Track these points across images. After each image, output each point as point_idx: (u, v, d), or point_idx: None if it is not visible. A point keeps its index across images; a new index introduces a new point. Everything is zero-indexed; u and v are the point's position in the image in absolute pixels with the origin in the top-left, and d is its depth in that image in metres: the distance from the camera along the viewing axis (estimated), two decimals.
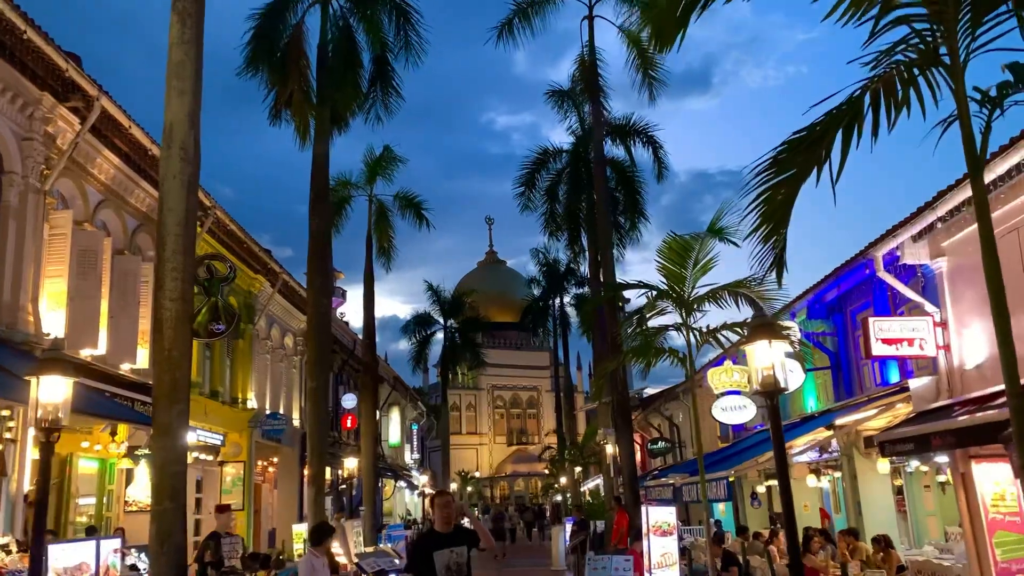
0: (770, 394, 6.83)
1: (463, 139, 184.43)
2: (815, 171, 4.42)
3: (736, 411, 16.25)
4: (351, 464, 26.12)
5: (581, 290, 36.15)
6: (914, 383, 10.36)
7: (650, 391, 37.76)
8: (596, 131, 18.14)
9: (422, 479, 43.79)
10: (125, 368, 13.43)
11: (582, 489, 37.61)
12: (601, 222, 17.84)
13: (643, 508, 10.45)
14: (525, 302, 42.96)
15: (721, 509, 20.57)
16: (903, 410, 10.59)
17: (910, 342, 9.91)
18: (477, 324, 41.84)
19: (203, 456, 17.34)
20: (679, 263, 10.06)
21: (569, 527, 20.31)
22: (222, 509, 9.81)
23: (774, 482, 18.04)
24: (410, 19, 16.38)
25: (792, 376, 13.53)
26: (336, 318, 36.21)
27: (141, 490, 14.11)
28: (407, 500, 42.79)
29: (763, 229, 4.49)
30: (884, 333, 9.94)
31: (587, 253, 22.67)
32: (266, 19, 15.55)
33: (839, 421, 11.95)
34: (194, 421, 16.36)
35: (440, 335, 40.23)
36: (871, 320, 10.07)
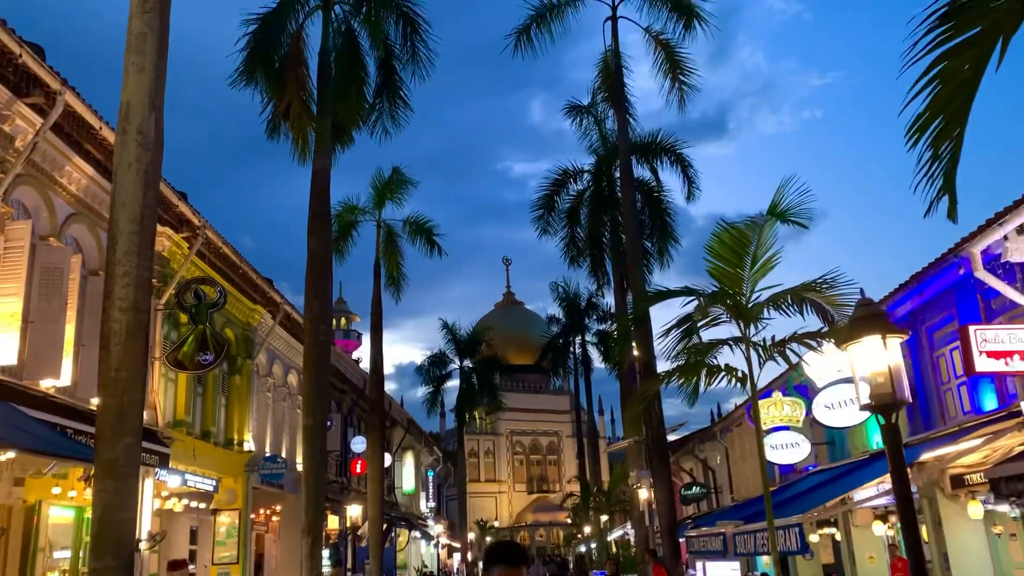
0: (885, 409, 5.13)
1: (480, 187, 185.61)
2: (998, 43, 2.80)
3: (788, 449, 14.51)
4: (358, 512, 24.28)
5: (604, 325, 34.44)
6: None
7: (672, 437, 35.65)
8: (621, 140, 16.67)
9: (438, 528, 41.77)
10: (97, 403, 11.89)
11: (608, 539, 35.35)
12: (629, 237, 16.27)
13: (700, 564, 8.62)
14: (543, 343, 41.20)
15: (766, 562, 18.50)
16: (1010, 441, 8.72)
17: (1023, 355, 8.13)
18: (494, 364, 40.04)
19: (195, 504, 15.76)
20: (734, 261, 8.21)
21: None
22: (175, 565, 8.16)
23: (829, 530, 16.06)
24: (417, 28, 15.34)
25: (854, 408, 11.76)
26: (347, 356, 34.77)
27: None
28: (423, 551, 40.69)
29: (931, 126, 2.86)
30: (990, 345, 8.13)
31: (611, 279, 21.03)
32: (263, 26, 14.50)
33: (922, 457, 10.06)
34: (182, 464, 14.79)
35: (456, 377, 38.51)
36: (973, 329, 8.27)
